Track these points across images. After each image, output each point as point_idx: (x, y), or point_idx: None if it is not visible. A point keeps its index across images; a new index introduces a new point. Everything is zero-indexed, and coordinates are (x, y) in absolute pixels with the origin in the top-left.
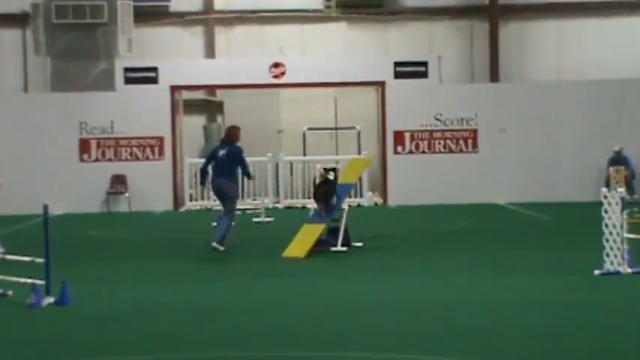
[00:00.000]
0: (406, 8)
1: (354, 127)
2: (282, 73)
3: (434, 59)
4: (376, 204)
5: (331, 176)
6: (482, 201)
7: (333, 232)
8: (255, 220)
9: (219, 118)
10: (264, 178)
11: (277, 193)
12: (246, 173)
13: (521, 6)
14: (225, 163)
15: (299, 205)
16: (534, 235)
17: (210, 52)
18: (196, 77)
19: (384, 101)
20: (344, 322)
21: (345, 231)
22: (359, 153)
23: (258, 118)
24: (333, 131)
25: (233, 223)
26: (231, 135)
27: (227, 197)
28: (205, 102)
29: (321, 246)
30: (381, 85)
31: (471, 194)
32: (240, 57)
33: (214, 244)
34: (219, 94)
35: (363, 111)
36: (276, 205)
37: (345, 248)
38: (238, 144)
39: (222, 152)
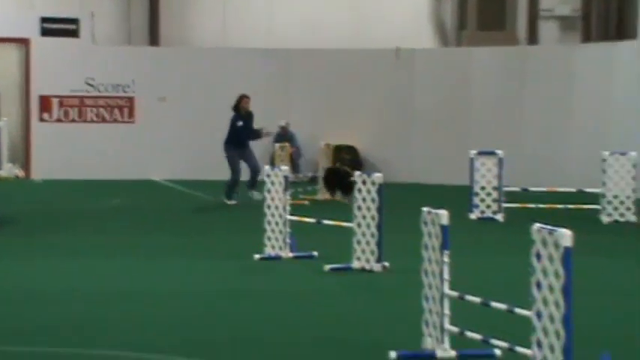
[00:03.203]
0: None
1: None
2: None
3: (86, 17)
4: (17, 177)
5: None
6: (138, 177)
7: None
8: None
9: None
10: None
11: None
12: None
13: None
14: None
15: None
16: (192, 217)
17: None
18: None
19: (28, 61)
20: None
21: None
22: None
23: None
24: None
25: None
26: (236, 101)
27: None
28: None
29: None
30: (25, 42)
31: (126, 169)
32: None
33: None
34: None
35: (4, 71)
36: None
37: None
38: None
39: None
